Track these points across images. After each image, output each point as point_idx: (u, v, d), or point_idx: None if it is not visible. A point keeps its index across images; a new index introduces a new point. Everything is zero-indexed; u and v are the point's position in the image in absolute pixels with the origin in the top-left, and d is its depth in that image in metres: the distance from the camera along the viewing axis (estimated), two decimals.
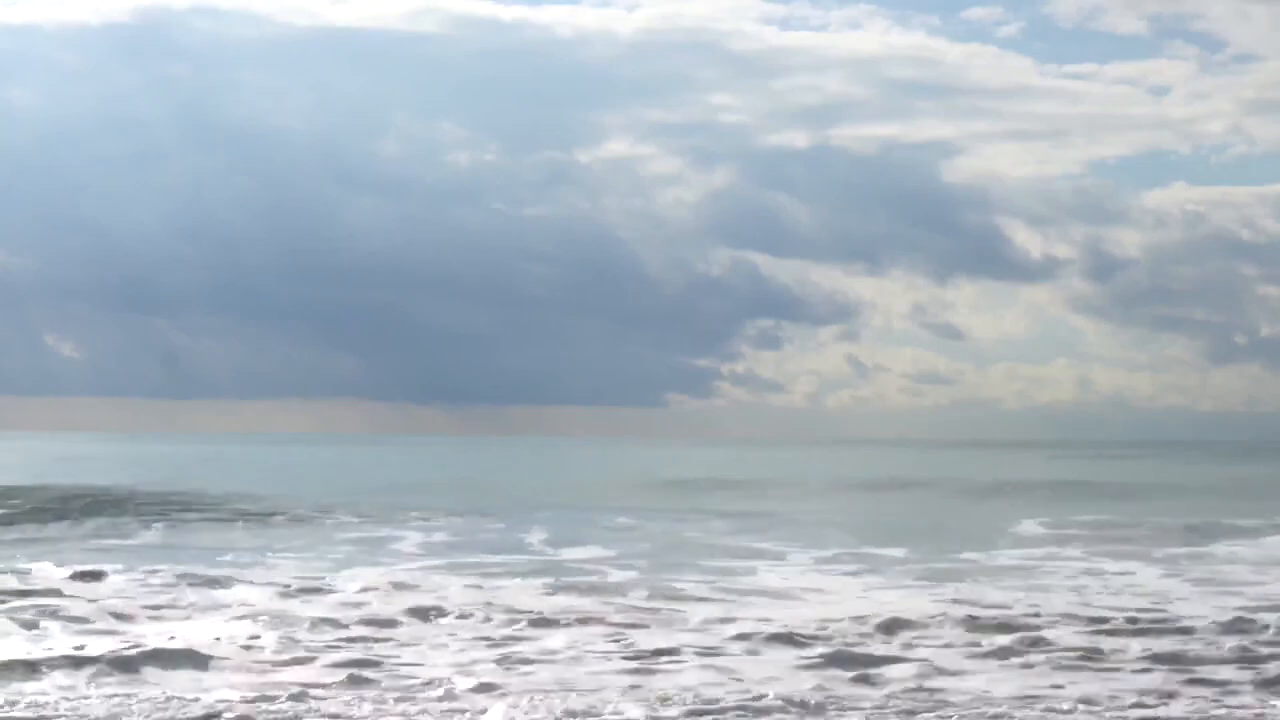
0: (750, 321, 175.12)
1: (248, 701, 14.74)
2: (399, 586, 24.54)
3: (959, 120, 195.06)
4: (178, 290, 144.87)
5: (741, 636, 19.18)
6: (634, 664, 17.21)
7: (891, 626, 19.98)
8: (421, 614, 21.02)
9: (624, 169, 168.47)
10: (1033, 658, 17.73)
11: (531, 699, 15.06)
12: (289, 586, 24.37)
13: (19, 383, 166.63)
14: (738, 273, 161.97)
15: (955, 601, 22.89)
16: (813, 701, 15.04)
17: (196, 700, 14.86)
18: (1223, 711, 14.94)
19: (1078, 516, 45.35)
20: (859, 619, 20.51)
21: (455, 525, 40.99)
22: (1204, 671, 16.92)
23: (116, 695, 15.09)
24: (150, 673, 16.39)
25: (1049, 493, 61.80)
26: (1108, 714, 14.76)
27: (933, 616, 20.77)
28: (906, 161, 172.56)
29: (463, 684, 15.70)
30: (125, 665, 16.62)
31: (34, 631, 19.50)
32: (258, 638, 18.78)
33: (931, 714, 14.65)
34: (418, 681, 15.90)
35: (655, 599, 23.21)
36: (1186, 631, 19.80)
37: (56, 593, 23.06)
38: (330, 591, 23.91)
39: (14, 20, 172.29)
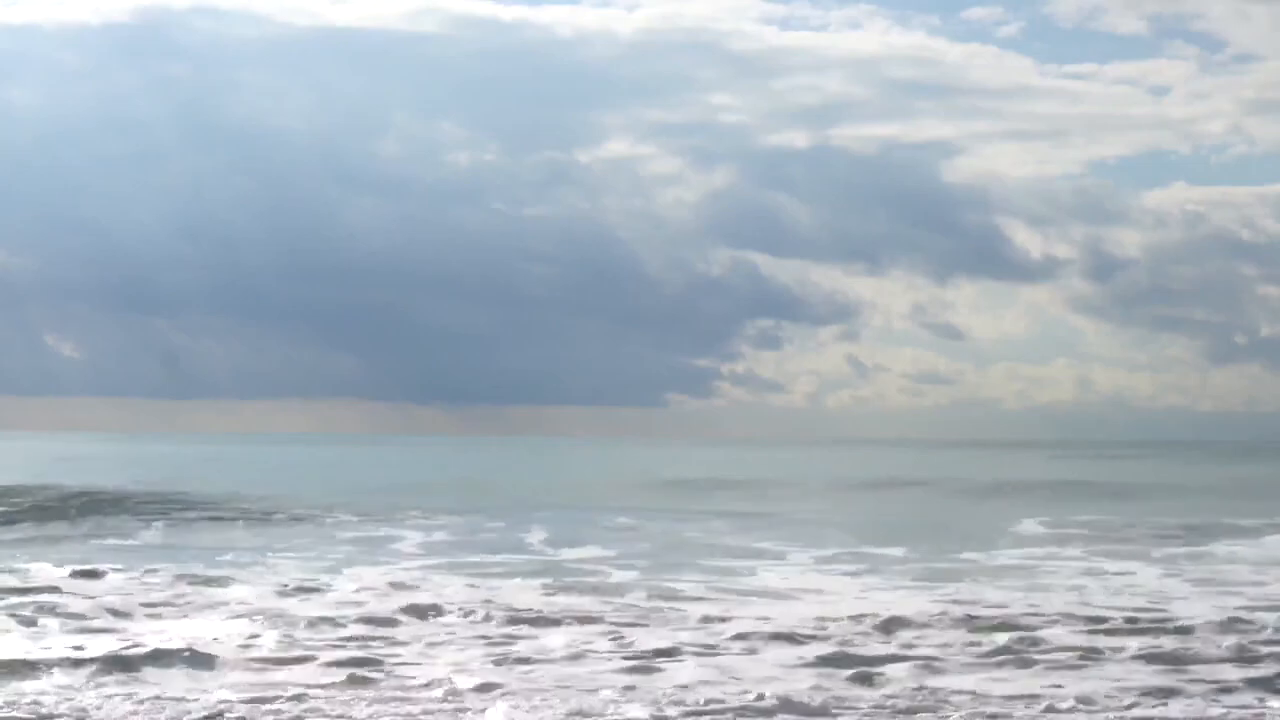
0: (750, 321, 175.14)
1: (248, 701, 14.75)
2: (399, 586, 24.57)
3: (959, 120, 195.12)
4: (178, 290, 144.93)
5: (741, 636, 19.19)
6: (633, 664, 17.21)
7: (891, 626, 20.00)
8: (421, 613, 21.04)
9: (624, 169, 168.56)
10: (1032, 657, 17.73)
11: (531, 699, 15.08)
12: (289, 586, 24.39)
13: (19, 383, 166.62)
14: (738, 273, 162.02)
15: (955, 601, 22.90)
16: (812, 701, 15.05)
17: (196, 700, 14.88)
18: (1221, 711, 14.95)
19: (1078, 516, 45.37)
20: (858, 618, 20.52)
21: (455, 525, 41.00)
22: (1203, 671, 16.93)
23: (116, 695, 15.10)
24: (150, 672, 16.39)
25: (1049, 493, 61.80)
26: (1106, 714, 14.77)
27: (932, 616, 20.78)
28: (906, 161, 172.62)
29: (462, 684, 15.71)
30: (125, 665, 16.63)
31: (32, 629, 19.54)
32: (257, 637, 18.79)
33: (930, 714, 14.66)
34: (417, 681, 15.91)
35: (655, 599, 23.23)
36: (1185, 631, 19.81)
37: (55, 590, 23.09)
38: (330, 591, 23.93)
39: (14, 20, 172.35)
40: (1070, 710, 14.82)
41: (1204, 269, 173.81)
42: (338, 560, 29.93)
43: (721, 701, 15.00)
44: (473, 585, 24.93)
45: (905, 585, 25.82)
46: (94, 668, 16.44)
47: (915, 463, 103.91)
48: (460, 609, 21.36)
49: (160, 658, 17.01)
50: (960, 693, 15.58)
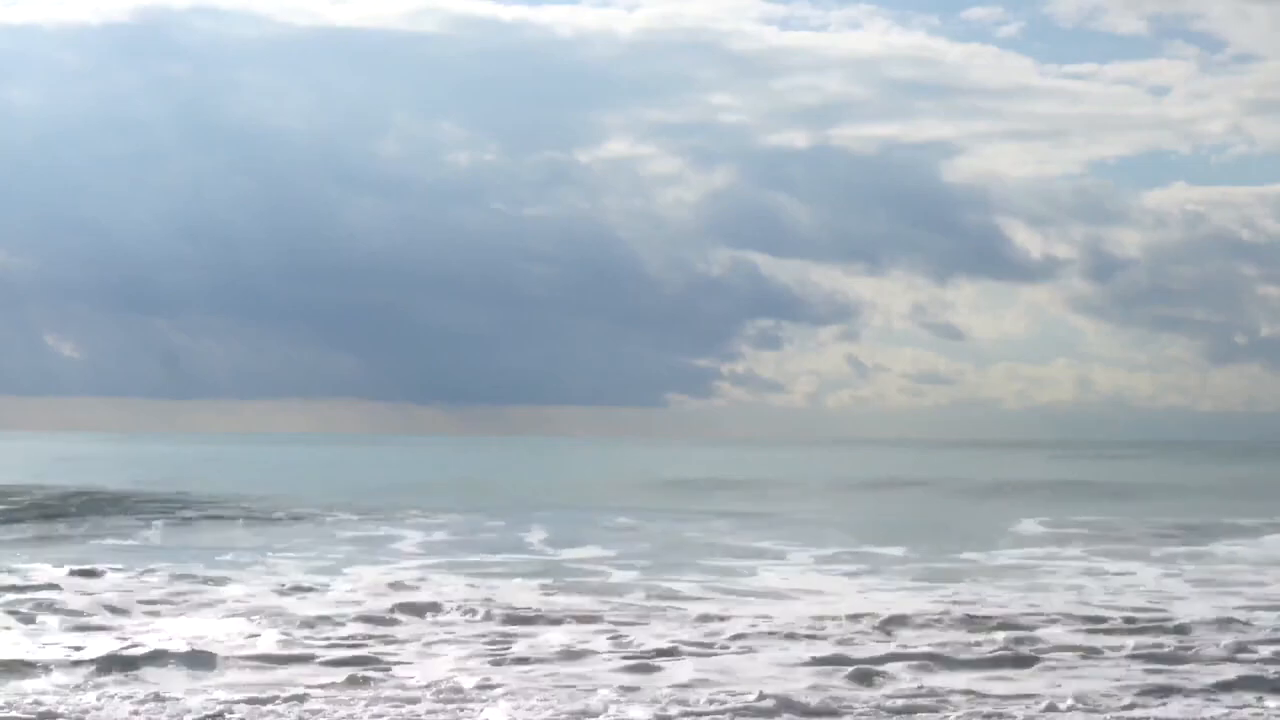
0: (750, 321, 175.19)
1: (248, 701, 14.75)
2: (398, 585, 24.57)
3: (959, 120, 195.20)
4: (178, 290, 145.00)
5: (740, 636, 19.19)
6: (633, 663, 17.21)
7: (890, 626, 20.01)
8: (421, 613, 21.05)
9: (624, 169, 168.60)
10: (1031, 657, 17.72)
11: (530, 698, 15.07)
12: (288, 585, 24.39)
13: (19, 383, 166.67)
14: (738, 273, 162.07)
15: (955, 601, 22.91)
16: (811, 701, 15.05)
17: (196, 700, 14.87)
18: (1220, 711, 14.95)
19: (1078, 516, 45.37)
20: (858, 618, 20.53)
21: (455, 525, 41.01)
22: (1202, 671, 16.93)
23: (116, 695, 15.10)
24: (149, 672, 16.39)
25: (1049, 493, 61.81)
26: (1105, 713, 14.77)
27: (932, 616, 20.78)
28: (906, 161, 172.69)
29: (462, 683, 15.70)
30: (125, 664, 16.62)
31: (30, 626, 19.55)
32: (257, 636, 18.80)
33: (930, 713, 14.66)
34: (417, 681, 15.90)
35: (654, 598, 23.24)
36: (1184, 631, 19.81)
37: (55, 589, 23.10)
38: (330, 590, 23.93)
39: (14, 20, 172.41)
40: (1069, 710, 14.82)
41: (1204, 269, 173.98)
42: (338, 560, 29.94)
43: (721, 701, 15.00)
44: (472, 585, 24.94)
45: (905, 585, 25.83)
46: (93, 667, 16.44)
47: (915, 463, 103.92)
48: (460, 608, 21.36)
49: (160, 657, 17.01)
50: (960, 692, 15.58)
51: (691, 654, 17.87)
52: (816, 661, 17.34)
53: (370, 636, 19.03)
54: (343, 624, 20.00)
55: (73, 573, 25.69)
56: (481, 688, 15.55)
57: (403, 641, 18.68)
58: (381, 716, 14.32)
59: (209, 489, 59.17)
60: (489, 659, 17.42)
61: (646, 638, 18.98)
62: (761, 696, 15.08)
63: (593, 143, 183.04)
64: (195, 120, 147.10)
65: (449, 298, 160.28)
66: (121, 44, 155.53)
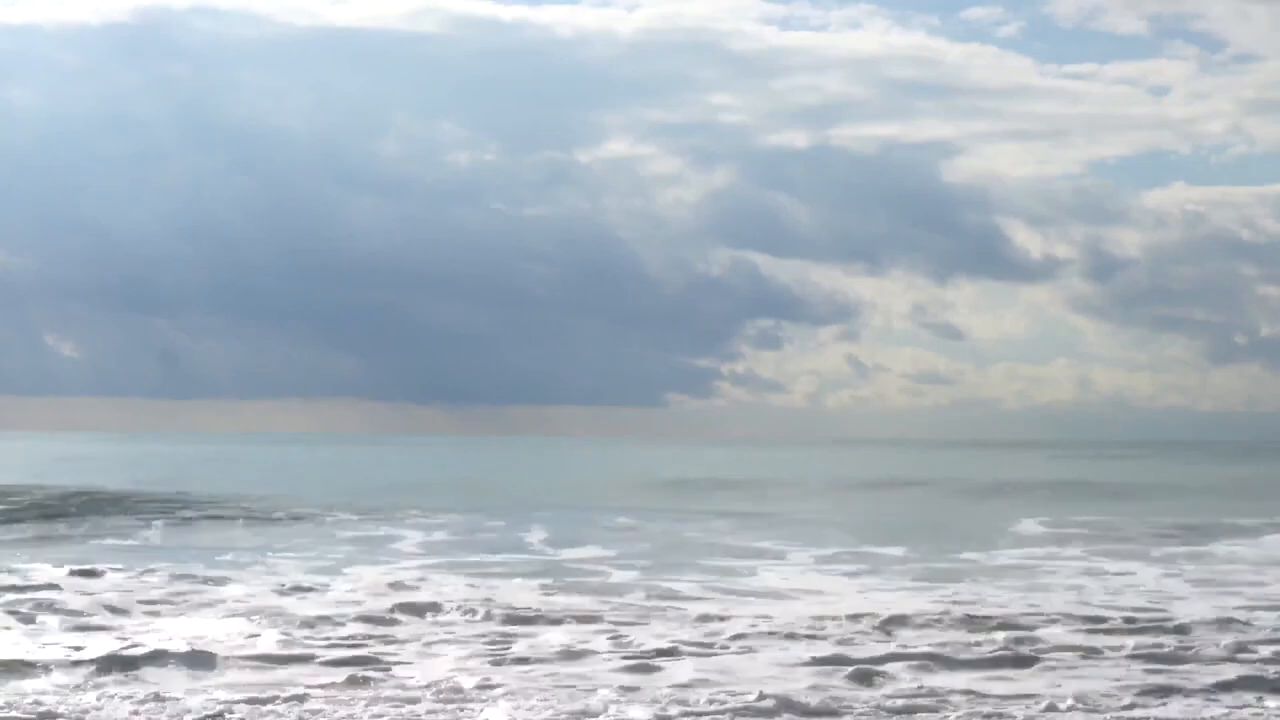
0: (750, 321, 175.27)
1: (248, 701, 14.75)
2: (398, 585, 24.57)
3: (959, 120, 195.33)
4: (178, 290, 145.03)
5: (740, 636, 19.19)
6: (633, 663, 17.21)
7: (890, 626, 20.01)
8: (421, 613, 21.05)
9: (624, 169, 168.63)
10: (1031, 657, 17.72)
11: (530, 698, 15.08)
12: (289, 585, 24.39)
13: (19, 383, 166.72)
14: (738, 273, 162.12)
15: (955, 601, 22.91)
16: (811, 701, 15.05)
17: (196, 700, 14.87)
18: (1220, 711, 14.96)
19: (1078, 516, 45.37)
20: (857, 618, 20.53)
21: (455, 525, 41.01)
22: (1201, 671, 16.93)
23: (116, 695, 15.10)
24: (149, 672, 16.39)
25: (1049, 493, 61.81)
26: (1105, 713, 14.77)
27: (932, 616, 20.78)
28: (906, 161, 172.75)
29: (462, 683, 15.70)
30: (125, 664, 16.62)
31: (30, 626, 19.55)
32: (257, 636, 18.80)
33: (930, 713, 14.66)
34: (417, 681, 15.90)
35: (654, 598, 23.24)
36: (1184, 631, 19.81)
37: (54, 588, 23.10)
38: (330, 590, 23.93)
39: (14, 20, 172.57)
40: (1069, 710, 14.82)
41: (1204, 269, 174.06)
42: (338, 560, 29.94)
43: (721, 701, 15.00)
44: (472, 585, 24.94)
45: (905, 585, 25.83)
46: (93, 667, 16.44)
47: (915, 463, 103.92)
48: (460, 608, 21.36)
49: (160, 657, 17.01)
50: (960, 692, 15.58)
51: (691, 654, 17.87)
52: (816, 661, 17.34)
53: (370, 636, 19.03)
54: (343, 624, 20.01)
55: (73, 573, 25.69)
56: (481, 688, 15.55)
57: (403, 641, 18.68)
58: (381, 716, 14.32)
59: (209, 489, 59.17)
60: (489, 659, 17.42)
61: (646, 638, 18.99)
62: (761, 696, 15.08)
63: (593, 143, 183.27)
64: (195, 120, 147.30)
65: (449, 298, 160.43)
66: (121, 44, 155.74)
